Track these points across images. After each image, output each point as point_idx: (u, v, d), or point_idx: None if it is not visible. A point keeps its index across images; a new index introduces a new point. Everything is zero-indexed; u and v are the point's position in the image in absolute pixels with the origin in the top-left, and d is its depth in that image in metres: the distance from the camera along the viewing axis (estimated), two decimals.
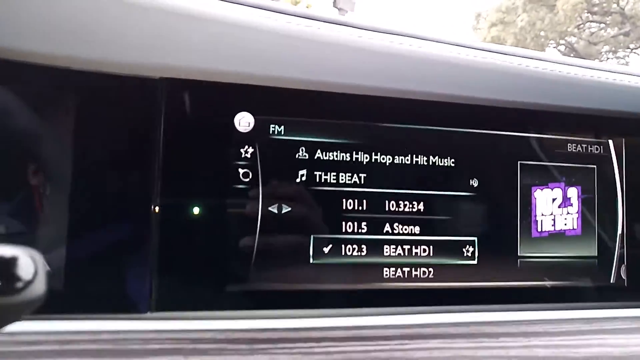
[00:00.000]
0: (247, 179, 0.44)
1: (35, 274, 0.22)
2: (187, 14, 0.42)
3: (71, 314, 0.38)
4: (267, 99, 0.44)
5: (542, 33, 14.04)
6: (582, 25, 14.56)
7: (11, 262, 0.21)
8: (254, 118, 0.44)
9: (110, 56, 0.40)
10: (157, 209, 0.41)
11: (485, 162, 0.50)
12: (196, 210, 0.43)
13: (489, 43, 0.49)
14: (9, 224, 0.43)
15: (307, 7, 11.41)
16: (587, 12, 14.03)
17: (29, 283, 0.21)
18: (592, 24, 14.63)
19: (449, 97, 0.48)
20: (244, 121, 0.44)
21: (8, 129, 0.45)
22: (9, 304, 0.21)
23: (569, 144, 0.53)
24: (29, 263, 0.22)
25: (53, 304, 0.37)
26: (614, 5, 13.75)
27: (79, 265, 0.40)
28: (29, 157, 0.45)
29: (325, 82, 0.45)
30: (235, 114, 0.44)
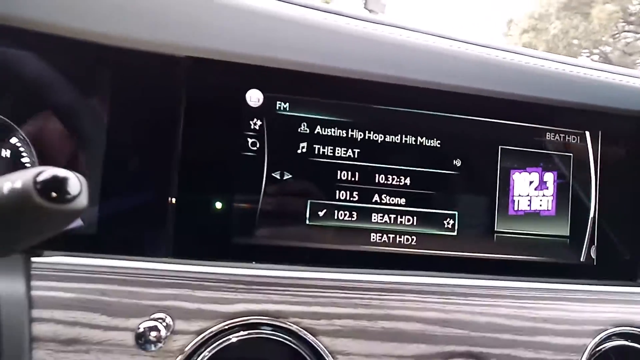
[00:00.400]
0: (255, 148, 0.51)
1: (81, 191, 0.29)
2: (208, 6, 0.49)
3: (104, 254, 0.45)
4: (275, 79, 0.51)
5: (575, 41, 13.79)
6: (617, 35, 14.27)
7: (64, 179, 0.28)
8: (263, 95, 0.51)
9: (141, 34, 0.48)
10: (176, 170, 0.49)
11: (469, 144, 0.56)
12: (210, 173, 0.50)
13: (477, 37, 0.55)
14: None
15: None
16: (623, 22, 13.72)
17: (77, 196, 0.29)
18: (627, 33, 14.32)
19: (439, 85, 0.54)
20: (254, 97, 0.51)
21: (48, 95, 0.53)
22: (61, 210, 0.28)
23: (547, 133, 0.58)
24: (76, 182, 0.29)
25: (89, 244, 0.44)
26: None
27: (111, 217, 0.47)
28: (67, 121, 0.53)
29: (328, 67, 0.51)
30: (247, 91, 0.51)
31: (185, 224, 0.48)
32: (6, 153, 0.51)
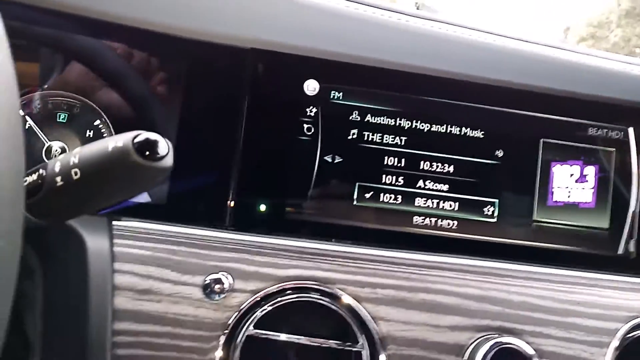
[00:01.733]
0: (310, 133, 0.56)
1: (168, 152, 0.35)
2: (271, 2, 0.54)
3: (174, 222, 0.51)
4: (330, 70, 0.56)
5: (637, 50, 13.24)
6: None
7: (155, 142, 0.34)
8: (319, 85, 0.56)
9: (211, 28, 0.53)
10: (239, 151, 0.54)
11: (511, 136, 0.59)
12: (269, 154, 0.55)
13: (522, 33, 0.58)
14: None
15: None
16: None
17: (165, 156, 0.34)
18: None
19: (483, 79, 0.57)
20: (311, 87, 0.56)
21: (128, 83, 0.60)
22: (152, 167, 0.34)
23: (590, 128, 0.60)
24: (165, 145, 0.35)
25: (162, 213, 0.50)
26: None
27: (181, 192, 0.53)
28: (144, 105, 0.60)
29: (379, 59, 0.56)
30: (305, 80, 0.56)
31: (245, 199, 0.54)
32: (90, 133, 0.58)
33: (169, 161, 0.35)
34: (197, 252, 0.48)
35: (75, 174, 0.34)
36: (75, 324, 0.43)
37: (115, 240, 0.47)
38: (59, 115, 0.57)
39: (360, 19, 0.54)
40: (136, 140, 0.34)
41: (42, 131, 0.57)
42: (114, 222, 0.49)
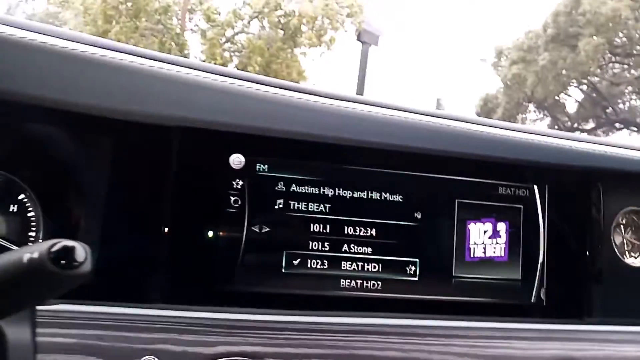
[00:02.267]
0: (237, 205, 0.58)
1: (86, 258, 0.35)
2: (196, 83, 0.56)
3: (101, 301, 0.51)
4: (255, 144, 0.58)
5: (564, 72, 14.11)
6: (604, 66, 14.62)
7: (72, 249, 0.35)
8: (245, 158, 0.58)
9: (137, 108, 0.55)
10: (168, 226, 0.55)
11: (428, 199, 0.63)
12: (196, 227, 0.56)
13: (432, 109, 0.63)
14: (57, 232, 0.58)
15: (331, 40, 11.73)
16: (610, 54, 14.08)
17: (83, 262, 0.35)
18: (614, 64, 14.68)
19: (399, 147, 0.61)
20: (236, 160, 0.58)
21: (54, 157, 0.60)
22: (69, 275, 0.34)
23: (499, 187, 0.65)
24: (82, 251, 0.35)
25: (88, 292, 0.50)
26: (638, 47, 13.80)
27: (107, 267, 0.53)
28: (70, 181, 0.60)
29: (301, 133, 0.59)
30: (231, 155, 0.58)
31: (174, 273, 0.55)
32: (14, 208, 0.57)
33: (86, 267, 0.35)
34: (124, 335, 0.49)
35: None
36: None
37: (39, 329, 0.47)
38: None
39: (282, 101, 0.57)
40: (52, 249, 0.35)
41: None
42: (37, 307, 0.49)
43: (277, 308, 0.56)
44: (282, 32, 11.49)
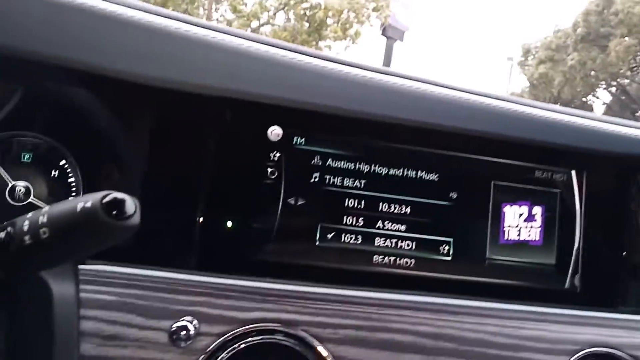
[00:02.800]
0: (274, 176, 0.58)
1: (135, 210, 0.36)
2: (239, 51, 0.56)
3: (141, 264, 0.52)
4: (293, 117, 0.58)
5: (592, 73, 13.84)
6: (635, 68, 14.28)
7: (122, 201, 0.36)
8: (283, 131, 0.59)
9: (180, 78, 0.55)
10: (206, 195, 0.56)
11: (464, 179, 0.62)
12: (234, 198, 0.57)
13: (473, 86, 0.62)
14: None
15: (357, 34, 11.68)
16: None
17: (132, 215, 0.36)
18: None
19: (438, 125, 0.61)
20: (274, 133, 0.58)
21: (96, 126, 0.61)
22: (119, 225, 0.35)
23: (537, 170, 0.65)
24: (132, 204, 0.36)
25: (128, 255, 0.51)
26: None
27: (147, 233, 0.54)
28: (111, 148, 0.61)
29: (339, 108, 0.58)
30: (269, 127, 0.58)
31: (210, 241, 0.55)
32: (55, 173, 0.58)
33: (136, 219, 0.36)
34: (163, 296, 0.50)
35: (44, 232, 0.35)
36: None
37: (81, 286, 0.48)
38: (24, 155, 0.58)
39: (322, 72, 0.57)
40: (104, 200, 0.35)
41: (6, 171, 0.57)
42: (79, 266, 0.50)
43: (310, 280, 0.56)
44: (307, 24, 11.48)
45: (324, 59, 0.58)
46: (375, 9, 11.48)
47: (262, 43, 0.56)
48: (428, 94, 0.60)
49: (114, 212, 0.36)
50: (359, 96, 0.59)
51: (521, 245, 0.64)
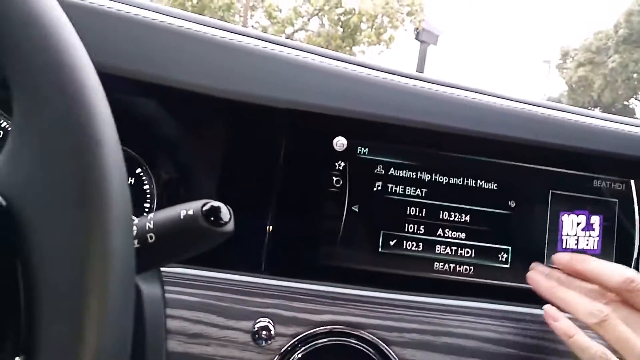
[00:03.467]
0: (339, 185, 0.61)
1: (230, 218, 0.40)
2: (304, 65, 0.60)
3: (217, 268, 0.56)
4: (357, 128, 0.61)
5: (635, 75, 13.41)
6: None
7: (219, 208, 0.39)
8: (347, 141, 0.61)
9: (249, 90, 0.59)
10: (275, 202, 0.59)
11: (522, 188, 0.64)
12: (301, 205, 0.60)
13: (531, 97, 0.64)
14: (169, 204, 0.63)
15: (391, 39, 11.68)
16: None
17: (228, 222, 0.39)
18: None
19: (497, 135, 0.63)
20: (339, 143, 0.61)
21: (165, 136, 0.65)
22: (217, 231, 0.39)
23: (595, 180, 0.66)
24: (227, 211, 0.40)
25: (206, 260, 0.55)
26: None
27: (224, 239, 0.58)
28: (184, 158, 0.65)
29: (400, 118, 0.61)
30: (334, 137, 0.61)
31: (281, 247, 0.59)
32: (131, 180, 0.63)
33: (231, 226, 0.40)
34: (241, 298, 0.53)
35: (151, 237, 0.39)
36: None
37: (167, 287, 0.52)
38: None
39: (383, 84, 0.60)
40: (204, 208, 0.39)
41: None
42: (163, 270, 0.54)
43: (375, 285, 0.59)
44: (341, 29, 11.55)
45: (385, 72, 0.61)
46: (409, 14, 11.46)
47: (326, 56, 0.60)
48: (486, 105, 0.62)
49: (212, 219, 0.39)
50: (419, 107, 0.62)
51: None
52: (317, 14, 12.08)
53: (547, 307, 0.57)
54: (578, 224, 0.65)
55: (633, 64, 12.77)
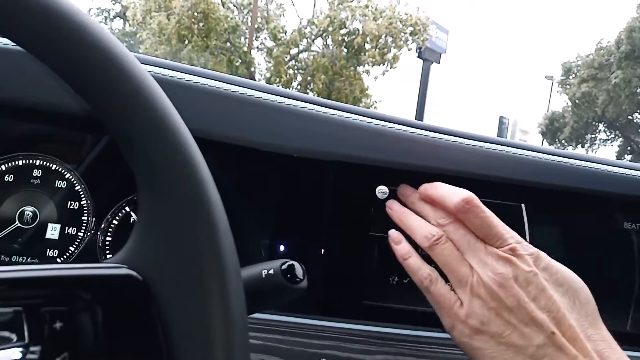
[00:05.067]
0: (382, 230, 0.66)
1: (304, 275, 0.44)
2: (346, 124, 0.65)
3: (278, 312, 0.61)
4: (396, 176, 0.66)
5: (638, 90, 13.47)
6: None
7: (294, 267, 0.44)
8: (388, 189, 0.66)
9: (298, 145, 0.64)
10: (324, 248, 0.64)
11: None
12: (348, 251, 0.65)
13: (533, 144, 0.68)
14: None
15: (395, 58, 11.80)
16: None
17: (302, 280, 0.44)
18: None
19: (531, 182, 0.67)
20: (381, 191, 0.66)
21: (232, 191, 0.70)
22: (293, 288, 0.43)
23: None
24: (301, 270, 0.44)
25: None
26: None
27: None
28: (245, 209, 0.70)
29: (434, 167, 0.66)
30: (377, 187, 0.66)
31: (332, 290, 0.63)
32: None
33: (305, 283, 0.45)
34: (300, 340, 0.58)
35: None
36: None
37: None
38: None
39: (418, 139, 0.65)
40: (282, 267, 0.44)
41: None
42: None
43: (421, 325, 0.63)
44: (345, 50, 11.71)
45: (420, 128, 0.66)
46: (412, 33, 11.61)
47: (366, 116, 0.65)
48: (517, 157, 0.67)
49: (289, 276, 0.44)
50: (448, 157, 0.67)
51: None
52: (321, 35, 12.25)
53: (391, 231, 0.60)
54: None
55: (636, 80, 12.85)
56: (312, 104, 0.66)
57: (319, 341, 0.58)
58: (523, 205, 0.68)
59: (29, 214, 0.65)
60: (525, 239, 0.61)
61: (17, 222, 0.65)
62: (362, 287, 0.64)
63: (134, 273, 0.33)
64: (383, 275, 0.65)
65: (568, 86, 14.75)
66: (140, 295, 0.32)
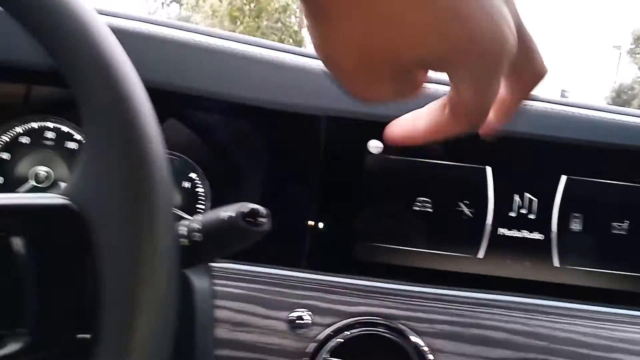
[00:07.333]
0: (374, 185, 0.65)
1: (267, 218, 0.45)
2: None
3: (260, 263, 0.61)
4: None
5: None
6: None
7: (257, 210, 0.44)
8: (383, 144, 0.65)
9: (290, 100, 0.64)
10: (314, 202, 0.64)
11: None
12: (338, 205, 0.64)
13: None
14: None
15: None
16: None
17: (264, 222, 0.44)
18: None
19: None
20: (374, 145, 0.65)
21: (222, 146, 0.71)
22: (254, 230, 0.44)
23: None
24: (264, 212, 0.45)
25: (251, 256, 0.60)
26: None
27: (267, 235, 0.63)
28: (234, 163, 0.71)
29: None
30: (369, 140, 0.65)
31: (319, 243, 0.63)
32: (186, 184, 0.70)
33: (267, 225, 0.45)
34: (282, 290, 0.58)
35: (199, 237, 0.45)
36: (184, 351, 0.54)
37: (216, 281, 0.58)
38: None
39: None
40: (243, 209, 0.44)
41: None
42: (213, 265, 0.60)
43: (406, 279, 0.62)
44: None
45: None
46: None
47: None
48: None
49: (250, 220, 0.44)
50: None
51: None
52: None
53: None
54: None
55: None
56: (298, 55, 0.65)
57: (301, 292, 0.59)
58: None
59: (43, 174, 0.69)
60: None
61: (32, 180, 0.69)
62: (348, 242, 0.64)
63: (70, 203, 0.34)
64: (369, 231, 0.64)
65: (638, 55, 13.81)
66: (75, 224, 0.34)
